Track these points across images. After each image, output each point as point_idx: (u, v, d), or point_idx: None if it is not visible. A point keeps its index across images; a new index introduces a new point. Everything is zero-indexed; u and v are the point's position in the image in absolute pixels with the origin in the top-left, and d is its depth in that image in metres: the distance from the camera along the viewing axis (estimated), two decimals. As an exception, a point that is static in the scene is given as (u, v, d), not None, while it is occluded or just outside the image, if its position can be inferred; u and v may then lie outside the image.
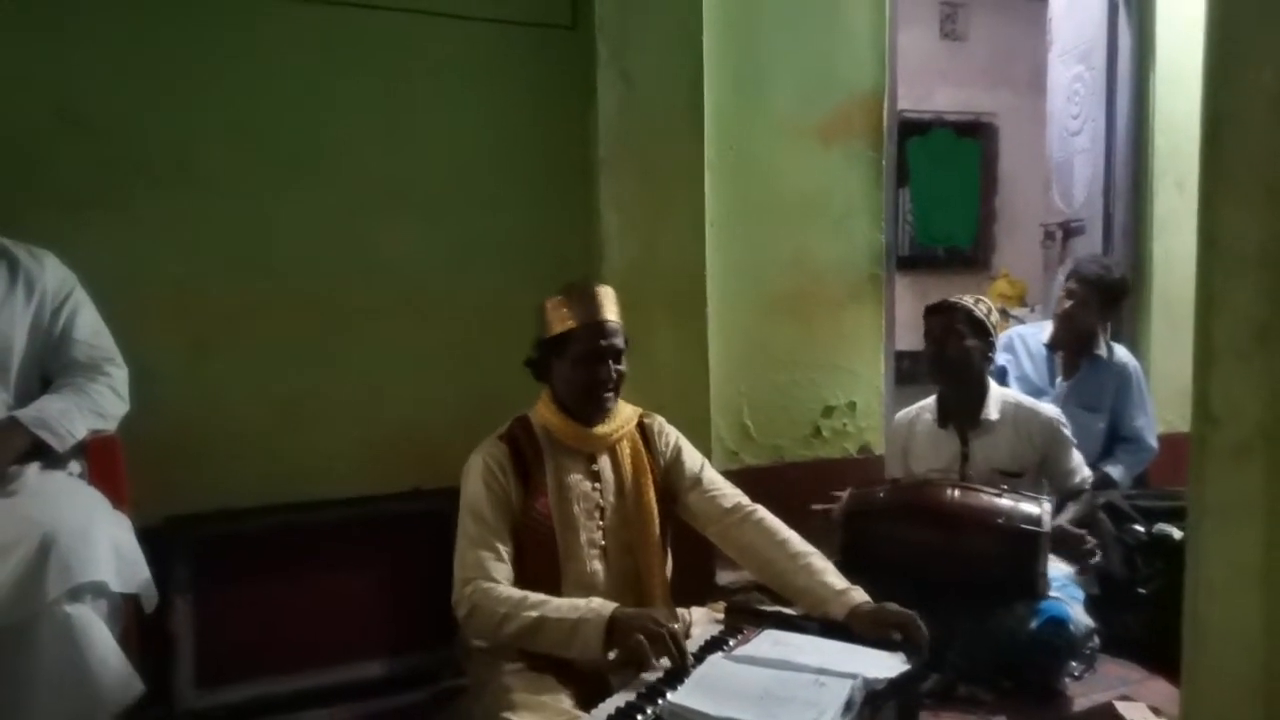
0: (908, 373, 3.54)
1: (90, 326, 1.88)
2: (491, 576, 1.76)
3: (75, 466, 1.79)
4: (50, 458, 1.72)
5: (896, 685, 1.50)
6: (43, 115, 2.10)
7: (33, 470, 1.69)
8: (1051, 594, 2.16)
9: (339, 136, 2.40)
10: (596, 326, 1.86)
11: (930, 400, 2.57)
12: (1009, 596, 2.13)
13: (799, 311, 2.90)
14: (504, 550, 1.80)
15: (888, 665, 1.53)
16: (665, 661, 1.55)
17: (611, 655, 1.59)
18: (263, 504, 2.31)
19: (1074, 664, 2.20)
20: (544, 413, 1.93)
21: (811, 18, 2.88)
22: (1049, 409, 2.51)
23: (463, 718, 1.86)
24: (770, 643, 1.64)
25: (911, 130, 7.15)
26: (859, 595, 1.81)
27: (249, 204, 2.32)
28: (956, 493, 2.19)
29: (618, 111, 2.53)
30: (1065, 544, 2.28)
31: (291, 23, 2.33)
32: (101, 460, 1.80)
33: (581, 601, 1.68)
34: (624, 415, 1.96)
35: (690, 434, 2.11)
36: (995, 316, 2.48)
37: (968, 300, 2.46)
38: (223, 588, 2.21)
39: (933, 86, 7.34)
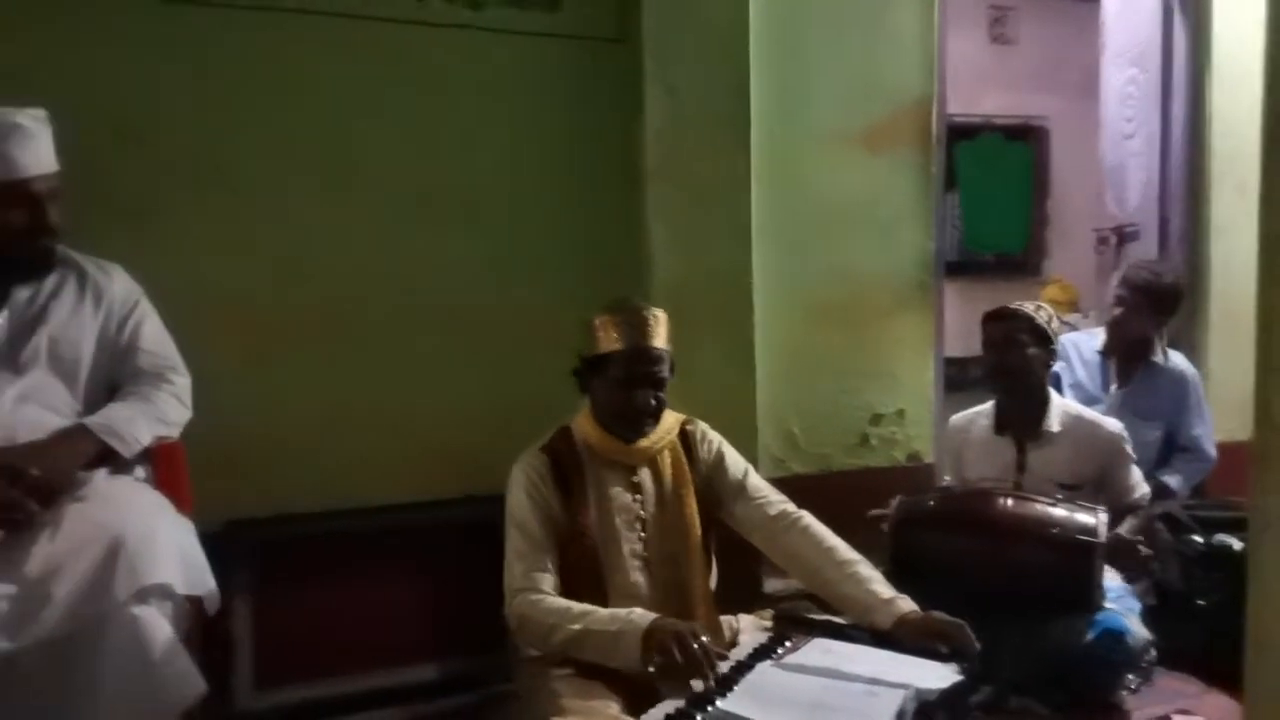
0: (955, 380, 3.50)
1: (155, 336, 1.94)
2: (538, 588, 1.78)
3: (140, 472, 1.84)
4: (117, 463, 1.78)
5: (948, 697, 1.49)
6: (103, 133, 2.17)
7: (101, 475, 1.74)
8: (1108, 605, 2.12)
9: (387, 151, 2.45)
10: (640, 352, 1.86)
11: (986, 406, 2.53)
12: (1063, 608, 2.09)
13: (846, 319, 2.88)
14: (549, 561, 1.82)
15: (940, 676, 1.52)
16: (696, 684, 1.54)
17: (651, 669, 1.59)
18: (317, 510, 2.36)
19: (1130, 677, 2.15)
20: (584, 425, 1.94)
21: (858, 25, 2.88)
22: (1112, 424, 2.45)
23: (509, 722, 1.88)
24: (820, 651, 1.63)
25: (959, 134, 7.07)
26: (907, 604, 1.80)
27: (299, 218, 2.38)
28: (1009, 501, 2.15)
29: (663, 123, 2.56)
30: (1121, 554, 2.24)
31: (340, 39, 2.39)
32: (166, 466, 1.85)
33: (623, 612, 1.69)
34: (665, 426, 1.97)
35: (736, 443, 2.11)
36: (1056, 324, 2.43)
37: (1029, 307, 2.41)
38: (280, 591, 2.26)
39: (981, 90, 7.25)
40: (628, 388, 1.87)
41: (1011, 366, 2.39)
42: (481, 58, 2.52)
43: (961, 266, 7.26)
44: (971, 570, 2.07)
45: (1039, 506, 2.14)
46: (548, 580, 1.80)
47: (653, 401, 1.89)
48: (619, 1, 2.62)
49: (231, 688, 2.14)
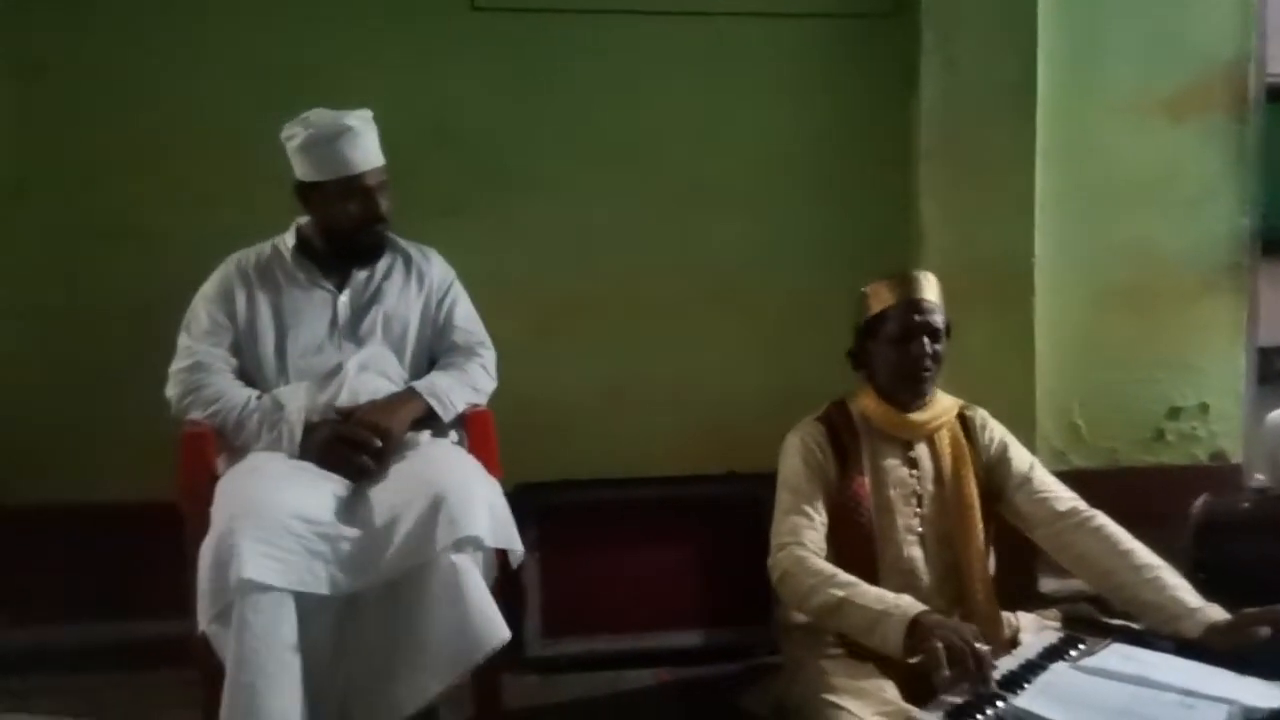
0: (1261, 371, 3.14)
1: (467, 314, 2.15)
2: (804, 542, 1.79)
3: (455, 436, 2.05)
4: (437, 427, 2.00)
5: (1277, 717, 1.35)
6: (424, 134, 2.43)
7: (425, 437, 1.97)
8: None
9: (664, 139, 2.57)
10: (912, 303, 1.86)
11: None
12: None
13: (1141, 304, 2.67)
14: (818, 519, 1.83)
15: (1267, 695, 1.38)
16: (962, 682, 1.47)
17: (913, 660, 1.55)
18: (595, 477, 2.52)
19: None
20: (861, 398, 1.94)
21: (1162, -20, 2.64)
22: None
23: (776, 694, 1.91)
24: (1121, 657, 1.54)
25: (1268, 96, 6.25)
26: (1217, 613, 1.65)
27: (587, 207, 2.55)
28: (1342, 507, 1.92)
29: (941, 97, 2.49)
30: None
31: (624, 36, 2.52)
32: (478, 431, 2.03)
33: (891, 595, 1.65)
34: (943, 405, 1.93)
35: (1013, 432, 2.01)
36: None
37: None
38: (562, 550, 2.43)
39: (1294, 45, 6.37)
40: (904, 340, 1.85)
41: None
42: (758, 43, 2.56)
43: (1270, 245, 6.44)
44: (1294, 582, 1.86)
45: (1380, 516, 1.89)
46: (814, 536, 1.80)
47: (929, 351, 1.85)
48: (895, -25, 2.58)
49: (522, 635, 2.33)
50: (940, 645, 1.50)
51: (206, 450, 1.89)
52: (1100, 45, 2.63)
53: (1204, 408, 2.72)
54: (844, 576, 1.72)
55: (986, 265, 2.48)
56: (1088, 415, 2.70)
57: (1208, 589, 1.74)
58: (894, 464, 1.89)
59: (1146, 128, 2.66)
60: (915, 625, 1.56)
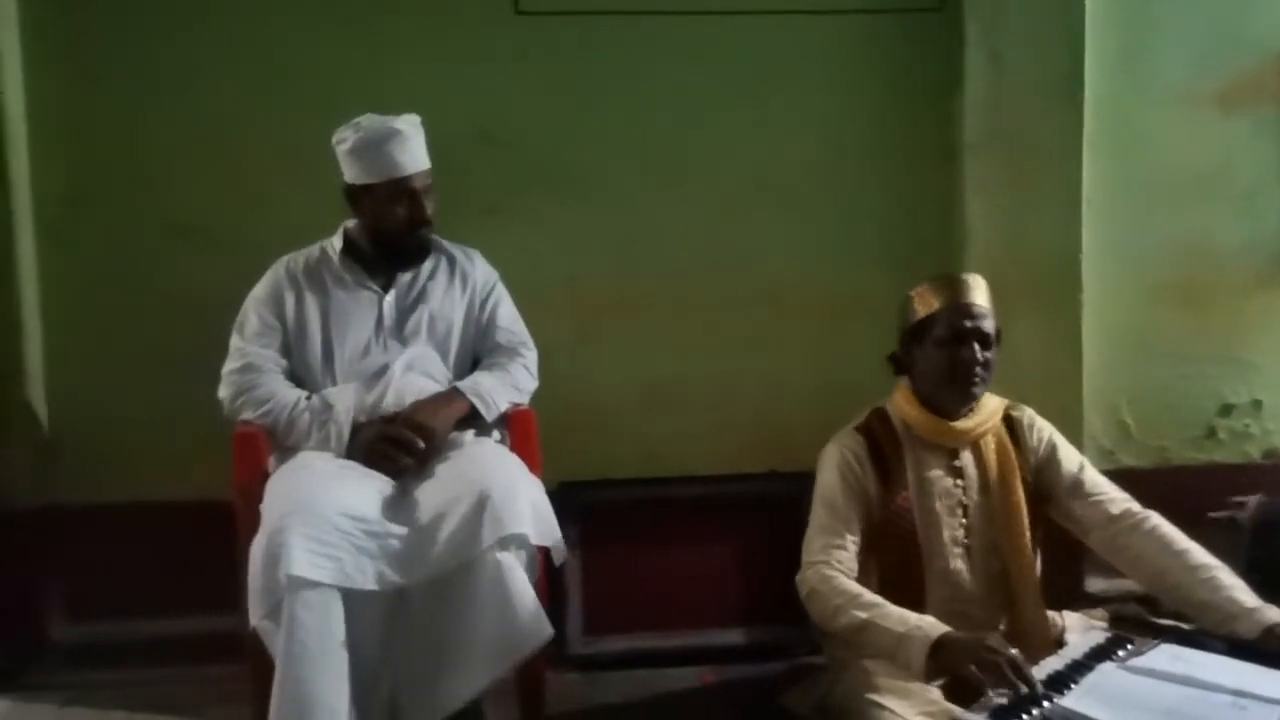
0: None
1: (509, 315, 2.18)
2: (833, 564, 1.78)
3: (497, 434, 2.07)
4: (480, 426, 2.02)
5: (1336, 721, 1.33)
6: (468, 136, 2.45)
7: (468, 436, 2.00)
8: None
9: (708, 140, 2.56)
10: (961, 307, 1.82)
11: None
12: None
13: (1192, 299, 2.62)
14: (850, 540, 1.81)
15: (1324, 697, 1.36)
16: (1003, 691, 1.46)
17: (937, 684, 1.54)
18: (636, 476, 2.53)
19: None
20: (902, 405, 1.90)
21: (1216, -31, 2.58)
22: None
23: (819, 694, 1.90)
24: (1169, 657, 1.52)
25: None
26: (1274, 613, 1.62)
27: (628, 207, 2.55)
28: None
29: (985, 91, 2.46)
30: None
31: (665, 37, 2.52)
32: (520, 430, 2.06)
33: (914, 617, 1.64)
34: (988, 409, 1.88)
35: (1059, 429, 1.98)
36: None
37: None
38: (604, 548, 2.45)
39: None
40: (953, 344, 1.81)
41: None
42: (801, 40, 2.54)
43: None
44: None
45: None
46: (845, 558, 1.79)
47: (980, 358, 1.81)
48: (938, -32, 2.55)
49: (564, 633, 2.34)
50: (972, 668, 1.49)
51: (258, 450, 1.94)
52: (1149, 36, 2.58)
53: (1257, 404, 2.67)
54: (869, 597, 1.71)
55: (1033, 261, 2.46)
56: (1137, 413, 2.65)
57: (1263, 589, 1.71)
58: (938, 475, 1.86)
59: (1197, 120, 2.60)
60: (938, 647, 1.55)
